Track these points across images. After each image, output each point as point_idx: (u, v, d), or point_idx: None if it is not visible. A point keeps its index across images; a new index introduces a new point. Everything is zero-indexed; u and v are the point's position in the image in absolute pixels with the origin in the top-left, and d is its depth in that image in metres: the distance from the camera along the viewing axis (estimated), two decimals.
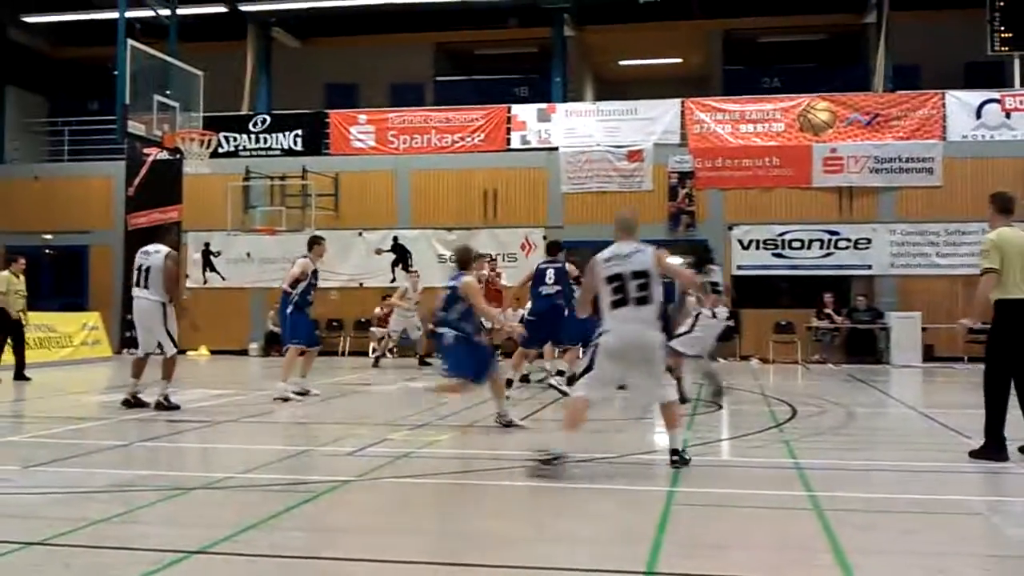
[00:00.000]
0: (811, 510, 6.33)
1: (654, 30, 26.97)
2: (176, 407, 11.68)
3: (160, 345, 11.83)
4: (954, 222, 21.61)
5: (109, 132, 22.56)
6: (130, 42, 20.03)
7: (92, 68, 28.44)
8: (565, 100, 24.99)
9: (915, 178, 21.95)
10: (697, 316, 11.88)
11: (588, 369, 7.72)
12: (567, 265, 14.01)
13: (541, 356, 14.80)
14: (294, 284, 13.17)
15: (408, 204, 24.10)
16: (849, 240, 22.14)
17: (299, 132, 24.92)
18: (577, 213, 23.04)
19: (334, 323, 23.69)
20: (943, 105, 22.21)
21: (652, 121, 23.33)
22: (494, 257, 21.23)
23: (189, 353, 23.48)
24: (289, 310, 13.26)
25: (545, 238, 22.70)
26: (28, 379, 16.03)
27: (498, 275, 18.73)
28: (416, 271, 21.33)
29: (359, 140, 24.57)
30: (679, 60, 29.65)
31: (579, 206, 23.14)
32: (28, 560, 5.14)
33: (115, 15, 21.14)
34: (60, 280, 25.52)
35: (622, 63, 30.14)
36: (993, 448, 8.10)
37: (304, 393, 13.41)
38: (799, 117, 22.73)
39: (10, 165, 27.03)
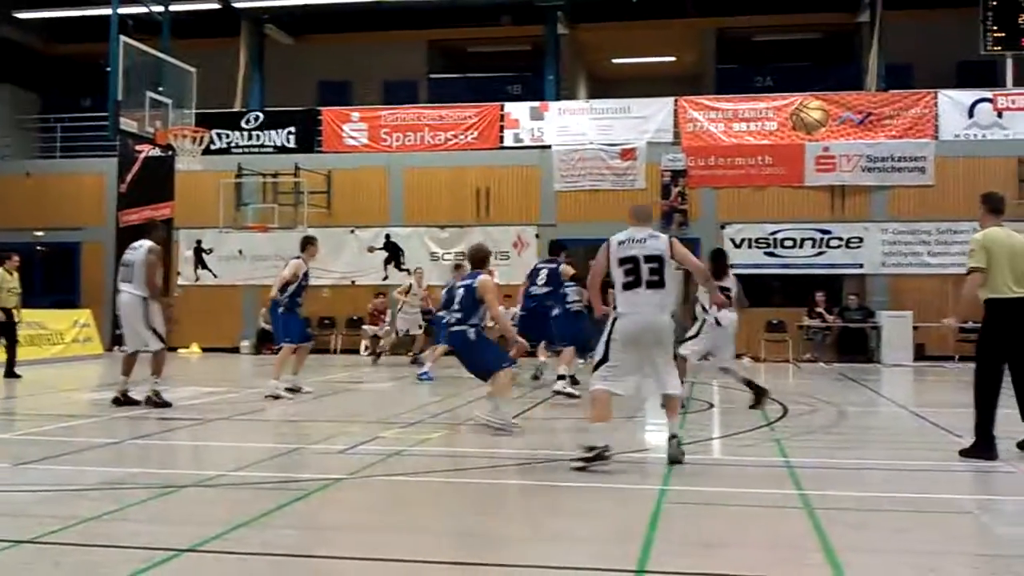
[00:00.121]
0: (802, 509, 6.34)
1: (647, 28, 26.99)
2: (167, 404, 11.66)
3: (147, 342, 11.81)
4: (946, 221, 21.65)
5: (101, 129, 22.51)
6: (123, 38, 19.96)
7: (84, 64, 28.35)
8: (558, 98, 24.97)
9: (907, 177, 21.99)
10: (703, 323, 11.87)
11: (603, 360, 7.77)
12: (563, 266, 13.91)
13: (533, 354, 14.82)
14: (284, 288, 13.18)
15: (401, 202, 24.08)
16: (841, 239, 22.18)
17: (292, 129, 24.89)
18: (570, 211, 23.05)
19: (326, 321, 23.67)
20: (935, 104, 22.25)
21: (645, 119, 23.34)
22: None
23: (180, 350, 23.51)
24: (280, 310, 13.31)
25: (538, 236, 22.80)
26: (18, 376, 15.99)
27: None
28: (420, 269, 21.26)
29: (352, 137, 24.54)
30: (672, 58, 29.67)
31: (572, 204, 23.15)
32: (18, 558, 5.12)
33: (108, 11, 21.07)
34: (52, 277, 25.44)
35: (615, 61, 30.16)
36: (983, 447, 8.12)
37: (296, 390, 13.42)
38: (792, 116, 22.76)
39: (2, 162, 26.92)
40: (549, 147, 23.45)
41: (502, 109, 24.05)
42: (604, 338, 7.82)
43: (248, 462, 8.07)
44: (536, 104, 24.11)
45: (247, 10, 26.21)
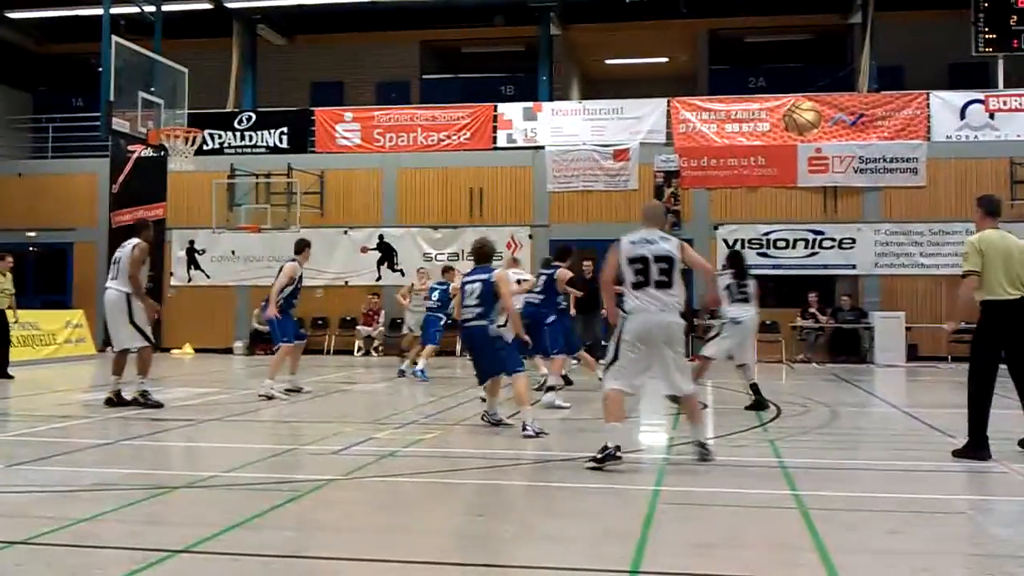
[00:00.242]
0: (796, 509, 6.35)
1: (640, 29, 27.02)
2: (158, 405, 11.63)
3: (131, 340, 11.79)
4: (938, 222, 21.71)
5: (93, 129, 22.48)
6: (115, 39, 19.93)
7: (76, 64, 28.34)
8: (551, 99, 24.98)
9: (899, 178, 22.04)
10: (723, 323, 11.88)
11: (614, 360, 7.81)
12: (559, 271, 13.42)
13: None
14: (280, 291, 13.30)
15: (394, 202, 24.07)
16: (834, 240, 22.22)
17: (284, 130, 24.85)
18: (563, 212, 23.07)
19: (319, 321, 23.65)
20: (927, 105, 22.30)
21: (638, 120, 23.35)
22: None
23: (173, 351, 23.49)
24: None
25: (531, 237, 22.82)
26: (11, 377, 15.94)
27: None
28: (424, 269, 21.18)
29: (344, 138, 24.52)
30: (665, 59, 29.71)
31: (565, 205, 23.17)
32: (10, 559, 5.11)
33: (100, 11, 21.07)
34: (43, 278, 25.37)
35: (608, 62, 30.19)
36: (976, 447, 8.15)
37: (297, 390, 13.53)
38: (784, 117, 22.79)
39: None
40: (542, 148, 23.45)
41: (495, 110, 24.04)
42: (615, 338, 7.87)
43: (241, 463, 8.06)
44: (529, 105, 24.11)
45: (239, 10, 26.18)
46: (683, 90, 25.54)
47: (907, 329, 20.82)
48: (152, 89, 20.85)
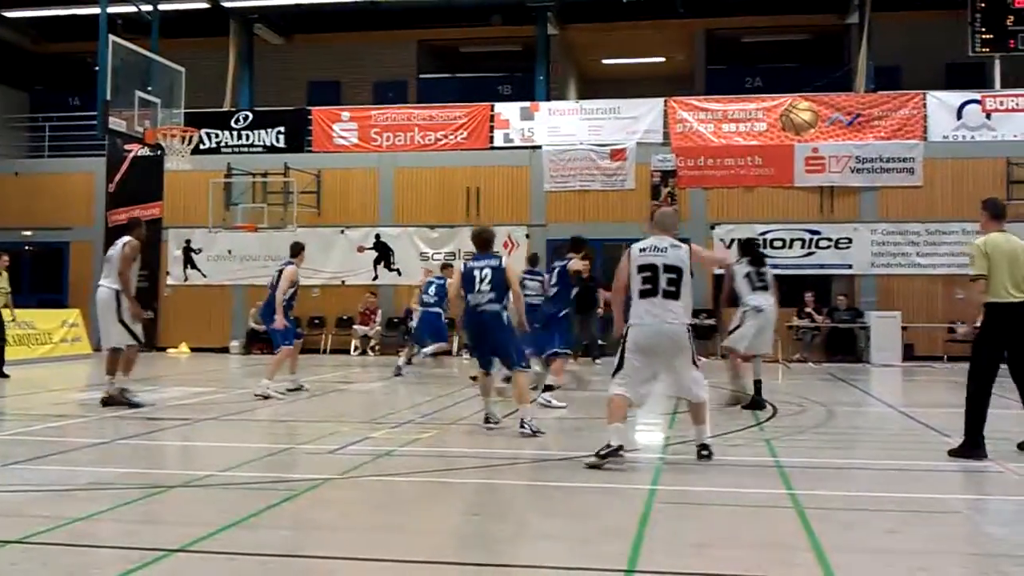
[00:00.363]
0: (792, 508, 6.35)
1: (637, 29, 27.02)
2: (137, 404, 11.58)
3: (119, 337, 11.78)
4: (935, 222, 21.73)
5: (90, 128, 22.43)
6: (111, 38, 19.90)
7: (73, 63, 28.30)
8: (548, 98, 24.97)
9: (896, 178, 22.05)
10: (745, 312, 11.86)
11: (619, 367, 7.83)
12: (571, 262, 12.80)
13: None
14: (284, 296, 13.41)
15: (391, 202, 24.05)
16: (830, 239, 22.23)
17: (281, 129, 24.83)
18: (560, 211, 23.06)
19: (316, 320, 23.61)
20: (924, 105, 22.31)
21: (635, 120, 23.35)
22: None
23: (169, 350, 23.47)
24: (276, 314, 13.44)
25: (528, 236, 22.80)
26: (7, 376, 15.91)
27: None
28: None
29: (342, 137, 24.51)
30: (662, 59, 29.70)
31: (562, 204, 23.16)
32: (6, 558, 5.10)
33: (97, 11, 21.01)
34: (40, 277, 25.34)
35: (605, 62, 30.18)
36: (972, 446, 8.16)
37: (298, 389, 13.60)
38: (781, 117, 22.80)
39: None
40: (539, 147, 23.45)
41: (492, 109, 24.03)
42: (620, 347, 7.88)
43: (238, 462, 8.05)
44: (526, 104, 24.10)
45: (236, 9, 26.15)
46: (680, 90, 25.53)
47: (903, 329, 20.83)
48: (149, 88, 20.83)
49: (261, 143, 24.83)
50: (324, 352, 23.21)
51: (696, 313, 17.64)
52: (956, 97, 22.35)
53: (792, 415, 11.47)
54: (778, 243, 22.32)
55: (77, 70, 27.82)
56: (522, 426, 9.37)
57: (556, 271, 12.84)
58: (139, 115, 20.44)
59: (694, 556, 5.30)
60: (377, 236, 23.95)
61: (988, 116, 22.05)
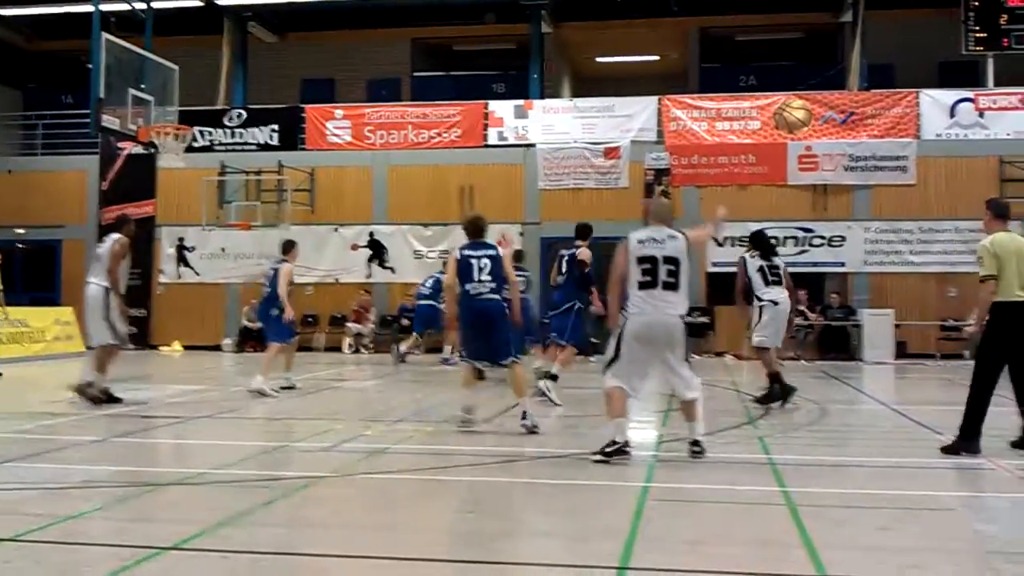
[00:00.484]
0: (784, 505, 6.37)
1: (631, 27, 27.02)
2: (97, 400, 11.50)
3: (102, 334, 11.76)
4: (927, 220, 21.75)
5: (83, 126, 22.37)
6: (105, 36, 19.84)
7: (66, 61, 28.23)
8: (542, 97, 24.97)
9: (889, 176, 22.07)
10: (762, 308, 11.87)
11: (614, 359, 7.83)
12: (580, 251, 12.39)
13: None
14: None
15: (384, 200, 24.03)
16: (823, 238, 22.25)
17: (275, 127, 24.79)
18: (554, 210, 23.04)
19: (309, 318, 23.58)
20: (917, 104, 22.32)
21: (629, 118, 23.35)
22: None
23: (162, 348, 23.44)
24: (275, 312, 13.52)
25: (522, 234, 22.78)
26: (0, 374, 15.89)
27: None
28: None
29: (335, 135, 24.47)
30: (656, 57, 29.70)
31: (556, 203, 23.14)
32: None
33: (90, 8, 20.94)
34: (32, 275, 25.28)
35: (599, 60, 30.17)
36: (967, 440, 8.19)
37: (291, 387, 13.58)
38: (775, 115, 22.82)
39: None
40: (533, 145, 23.44)
41: (486, 107, 24.01)
42: (616, 337, 7.88)
43: (231, 460, 8.05)
44: (520, 102, 24.08)
45: (230, 7, 26.09)
46: (674, 88, 25.55)
47: (896, 326, 20.86)
48: (142, 86, 20.77)
49: (255, 141, 24.79)
50: (318, 350, 23.16)
51: (689, 311, 17.72)
52: (949, 95, 22.38)
53: (785, 412, 11.49)
54: (771, 241, 22.27)
55: (70, 68, 27.75)
56: (524, 418, 9.33)
57: (564, 259, 12.55)
58: (132, 113, 20.38)
59: (687, 553, 5.31)
60: (371, 234, 23.92)
61: (981, 115, 22.08)
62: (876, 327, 20.83)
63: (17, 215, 24.89)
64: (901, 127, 22.29)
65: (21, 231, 25.05)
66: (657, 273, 7.79)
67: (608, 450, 7.66)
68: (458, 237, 21.94)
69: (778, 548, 5.41)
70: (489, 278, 9.53)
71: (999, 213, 8.60)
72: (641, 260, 7.84)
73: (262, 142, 24.73)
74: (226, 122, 24.94)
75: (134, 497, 6.62)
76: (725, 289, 21.69)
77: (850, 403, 13.56)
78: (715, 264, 22.30)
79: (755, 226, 22.09)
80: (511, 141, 23.70)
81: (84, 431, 9.89)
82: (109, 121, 20.00)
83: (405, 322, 21.14)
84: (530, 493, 7.07)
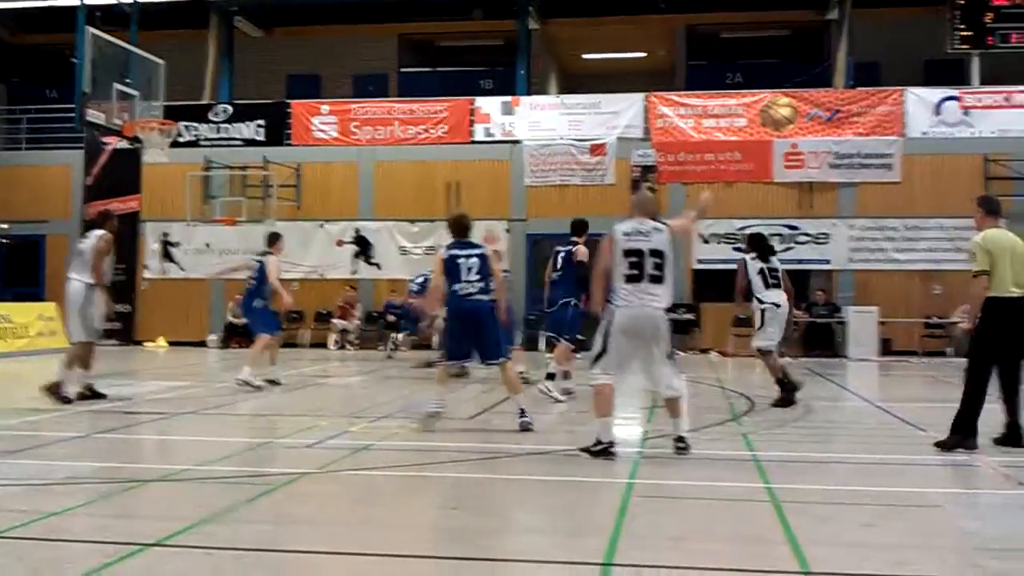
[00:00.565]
0: (769, 502, 6.38)
1: (618, 24, 27.03)
2: (66, 400, 11.33)
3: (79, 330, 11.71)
4: (912, 218, 21.81)
5: (68, 120, 22.28)
6: (90, 29, 19.77)
7: (51, 55, 28.07)
8: (529, 93, 24.96)
9: (874, 174, 22.13)
10: (764, 311, 11.90)
11: (602, 353, 7.85)
12: (576, 248, 12.24)
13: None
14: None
15: (370, 196, 23.98)
16: (809, 235, 22.29)
17: (261, 122, 24.70)
18: (540, 206, 23.04)
19: (294, 315, 23.51)
20: (903, 102, 22.38)
21: (615, 115, 23.35)
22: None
23: (147, 344, 23.35)
24: (260, 305, 13.59)
25: (508, 231, 22.75)
26: None
27: None
28: None
29: (321, 131, 24.41)
30: (643, 54, 29.71)
31: (542, 199, 23.14)
32: None
33: (76, 2, 20.90)
34: (16, 270, 25.15)
35: (586, 57, 30.17)
36: (966, 435, 8.22)
37: (275, 382, 13.55)
38: (761, 112, 22.85)
39: None
40: (519, 142, 23.42)
41: (473, 103, 23.98)
42: (602, 331, 7.88)
43: (215, 456, 8.02)
44: (507, 99, 24.06)
45: (216, 2, 26.02)
46: (660, 85, 25.54)
47: (880, 324, 20.93)
48: (127, 81, 20.71)
49: (240, 136, 24.69)
50: (303, 346, 23.11)
51: (675, 308, 17.75)
52: (935, 94, 22.45)
53: (770, 409, 11.51)
54: (770, 243, 22.33)
55: (55, 62, 27.60)
56: (522, 415, 9.33)
57: (560, 256, 12.44)
58: (117, 108, 20.33)
59: (671, 549, 5.32)
60: (356, 230, 23.87)
61: (966, 113, 22.15)
62: (861, 324, 20.89)
63: (0, 210, 24.74)
64: (886, 125, 22.35)
65: (5, 226, 24.89)
66: (644, 267, 7.82)
67: (594, 449, 7.69)
68: (444, 234, 22.03)
69: (762, 544, 5.42)
70: (477, 277, 9.48)
71: (991, 210, 8.64)
72: (628, 253, 7.86)
73: (248, 137, 24.64)
74: (211, 117, 24.84)
75: (118, 493, 6.60)
76: (710, 286, 21.87)
77: (834, 400, 13.59)
78: (700, 261, 22.35)
79: (740, 223, 22.30)
80: (498, 137, 23.68)
81: (68, 427, 9.84)
82: (94, 116, 19.96)
83: (391, 318, 21.09)
84: (514, 489, 7.07)
